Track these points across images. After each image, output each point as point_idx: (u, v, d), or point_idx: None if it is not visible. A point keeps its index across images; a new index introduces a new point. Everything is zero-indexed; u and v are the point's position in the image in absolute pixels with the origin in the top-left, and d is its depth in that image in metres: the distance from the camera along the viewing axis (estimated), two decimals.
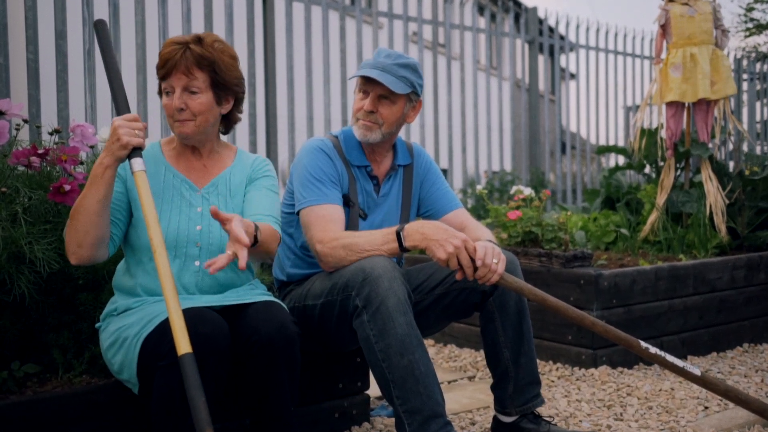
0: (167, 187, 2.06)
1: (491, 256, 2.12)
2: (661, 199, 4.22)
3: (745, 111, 8.32)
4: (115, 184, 2.01)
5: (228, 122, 2.19)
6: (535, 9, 7.20)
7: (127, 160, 1.89)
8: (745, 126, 8.14)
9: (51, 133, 2.33)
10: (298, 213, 2.36)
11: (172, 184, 2.07)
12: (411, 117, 2.46)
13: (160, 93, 2.09)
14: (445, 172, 7.58)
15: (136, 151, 1.88)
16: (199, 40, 2.04)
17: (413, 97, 2.41)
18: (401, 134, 2.59)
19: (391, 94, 2.34)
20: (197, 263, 2.03)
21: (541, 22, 7.23)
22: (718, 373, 3.31)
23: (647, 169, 4.91)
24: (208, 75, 2.03)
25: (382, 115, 2.37)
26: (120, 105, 1.97)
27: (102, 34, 2.05)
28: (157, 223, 1.81)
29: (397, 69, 2.33)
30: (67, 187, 2.04)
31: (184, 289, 2.02)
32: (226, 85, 2.07)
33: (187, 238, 2.03)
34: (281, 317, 1.94)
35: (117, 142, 1.85)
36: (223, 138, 2.26)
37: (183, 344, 1.68)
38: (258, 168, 2.19)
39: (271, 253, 2.04)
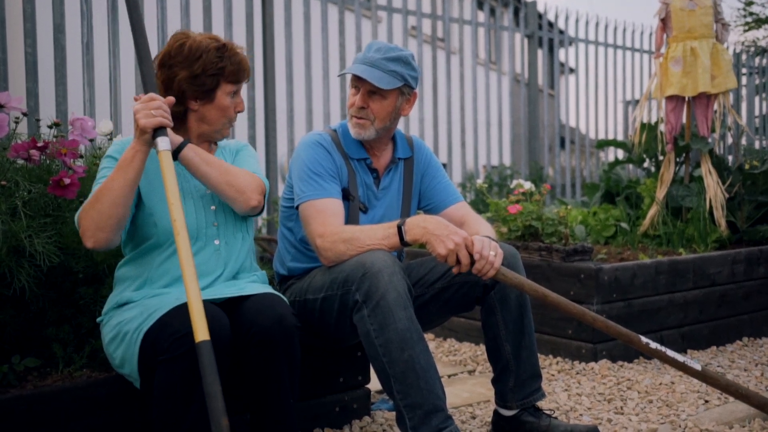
0: (178, 176, 2.08)
1: (488, 248, 2.12)
2: (660, 194, 4.21)
3: (744, 105, 8.30)
4: None
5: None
6: (534, 3, 7.18)
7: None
8: (744, 120, 8.13)
9: (50, 127, 2.33)
10: (297, 207, 2.35)
11: (181, 173, 2.10)
12: (406, 110, 2.43)
13: (209, 90, 2.08)
14: (444, 166, 7.55)
15: (159, 130, 1.86)
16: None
17: (406, 90, 2.38)
18: (400, 127, 2.57)
19: (380, 89, 2.32)
20: (216, 242, 2.08)
21: (540, 16, 7.21)
22: (718, 367, 3.32)
23: (647, 164, 4.91)
24: None
25: (373, 111, 2.35)
26: (146, 82, 1.95)
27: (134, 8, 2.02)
28: (180, 204, 1.81)
29: (386, 63, 2.30)
30: (67, 181, 2.03)
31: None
32: None
33: (205, 220, 2.07)
34: (280, 310, 1.94)
35: (137, 128, 1.86)
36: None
37: (201, 331, 1.65)
38: (239, 148, 2.27)
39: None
